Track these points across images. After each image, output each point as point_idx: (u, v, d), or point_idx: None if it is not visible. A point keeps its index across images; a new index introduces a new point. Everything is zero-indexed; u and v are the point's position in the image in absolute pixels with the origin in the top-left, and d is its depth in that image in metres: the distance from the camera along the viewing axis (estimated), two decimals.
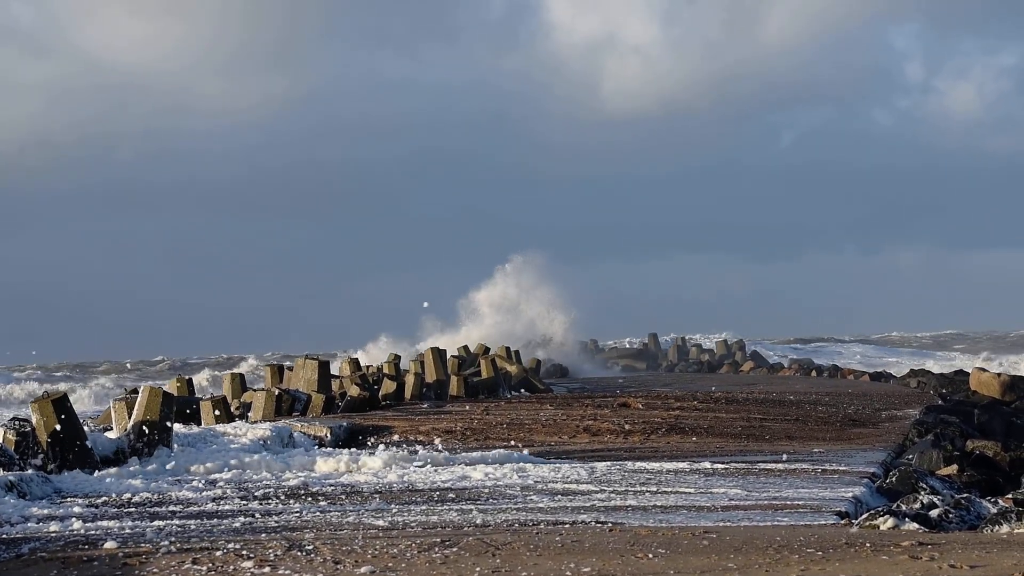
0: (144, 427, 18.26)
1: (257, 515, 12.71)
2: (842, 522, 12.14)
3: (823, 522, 12.04)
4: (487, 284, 63.89)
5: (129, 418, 18.57)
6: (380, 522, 11.96)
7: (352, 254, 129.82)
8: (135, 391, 21.15)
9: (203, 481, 16.19)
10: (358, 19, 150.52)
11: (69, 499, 14.38)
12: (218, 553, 9.81)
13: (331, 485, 15.72)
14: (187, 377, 29.34)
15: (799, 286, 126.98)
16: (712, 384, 40.78)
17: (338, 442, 21.39)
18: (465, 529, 11.28)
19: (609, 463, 17.76)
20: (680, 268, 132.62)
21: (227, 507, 13.53)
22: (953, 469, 18.32)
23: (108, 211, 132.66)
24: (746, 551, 9.65)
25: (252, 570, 9.14)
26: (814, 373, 55.63)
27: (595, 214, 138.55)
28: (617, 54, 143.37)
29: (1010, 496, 15.07)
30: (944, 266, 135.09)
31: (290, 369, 30.11)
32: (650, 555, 9.52)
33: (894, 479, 16.18)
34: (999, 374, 38.01)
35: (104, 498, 14.49)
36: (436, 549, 9.85)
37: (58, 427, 16.98)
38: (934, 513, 12.63)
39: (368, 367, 35.92)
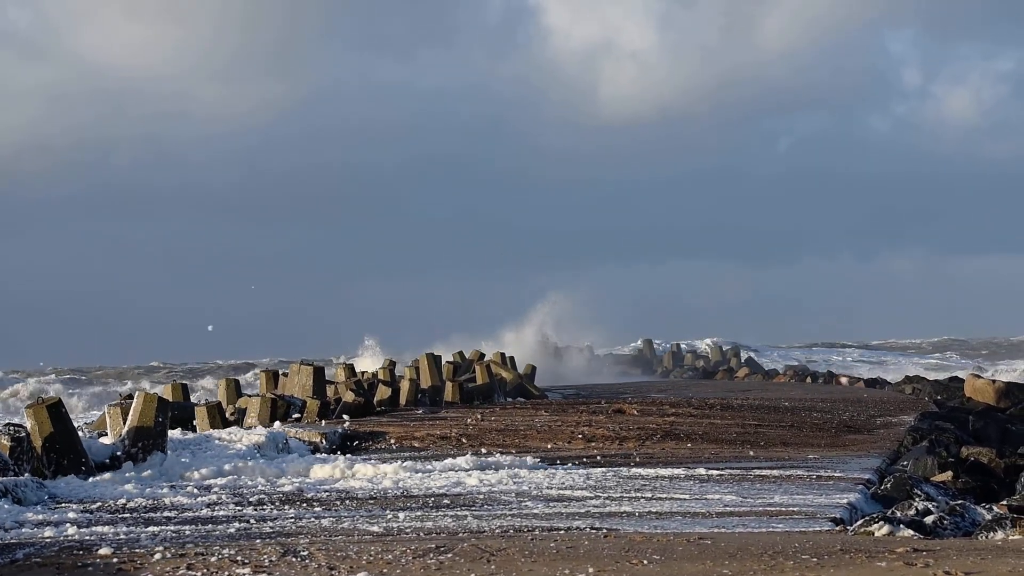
0: (139, 433, 18.24)
1: (252, 521, 12.70)
2: (837, 528, 12.15)
3: (818, 528, 12.05)
4: (518, 325, 63.74)
5: (124, 423, 18.56)
6: (375, 528, 11.96)
7: (350, 259, 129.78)
8: (130, 396, 21.12)
9: (198, 487, 16.18)
10: (356, 23, 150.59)
11: (64, 504, 14.38)
12: (213, 559, 9.81)
13: (326, 490, 15.72)
14: (182, 383, 29.32)
15: (795, 292, 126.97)
16: (707, 390, 40.80)
17: (333, 448, 21.37)
18: (460, 535, 11.28)
19: (604, 469, 17.76)
20: (676, 273, 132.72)
21: (222, 513, 13.53)
22: (948, 475, 18.33)
23: (106, 216, 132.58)
24: (741, 557, 9.65)
25: None
26: (809, 379, 55.66)
27: (592, 219, 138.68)
28: (614, 59, 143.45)
29: (1005, 503, 15.08)
30: (940, 272, 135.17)
31: (285, 375, 30.09)
32: (645, 561, 9.53)
33: (889, 485, 16.19)
34: (994, 380, 38.04)
35: (99, 504, 14.49)
36: (431, 555, 9.85)
37: (53, 432, 16.97)
38: (929, 519, 12.64)
39: (363, 373, 35.92)
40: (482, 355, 40.88)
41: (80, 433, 18.32)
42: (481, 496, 14.96)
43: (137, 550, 10.35)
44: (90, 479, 16.61)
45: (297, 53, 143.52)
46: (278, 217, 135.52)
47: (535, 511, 13.44)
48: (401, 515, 13.11)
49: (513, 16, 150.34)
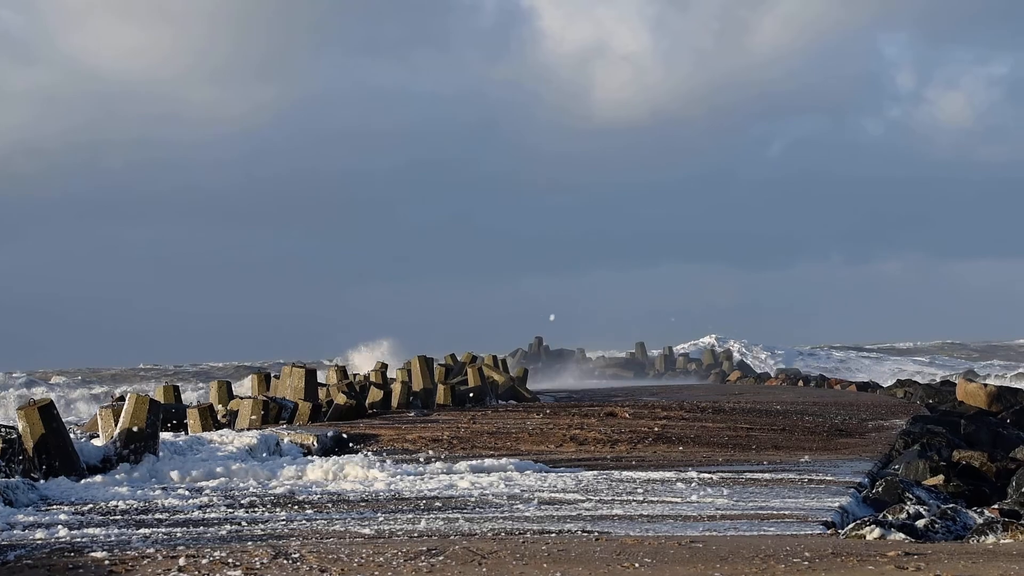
0: (130, 435, 18.23)
1: (243, 523, 12.69)
2: (828, 532, 12.16)
3: (809, 532, 12.05)
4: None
5: (115, 425, 18.55)
6: (366, 530, 11.96)
7: (343, 263, 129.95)
8: (121, 398, 21.12)
9: (189, 489, 16.18)
10: (349, 27, 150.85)
11: (55, 506, 14.36)
12: (204, 561, 9.81)
13: (317, 493, 15.72)
14: (174, 385, 29.31)
15: (788, 295, 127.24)
16: (699, 394, 40.83)
17: (325, 450, 21.37)
18: (451, 538, 11.28)
19: (596, 472, 17.77)
20: (669, 277, 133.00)
21: (213, 515, 13.52)
22: (939, 479, 18.35)
23: (98, 218, 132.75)
24: (732, 561, 9.66)
25: None
26: (801, 383, 55.72)
27: (585, 223, 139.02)
28: (608, 63, 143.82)
29: (996, 506, 15.11)
30: (933, 275, 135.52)
31: (277, 377, 30.08)
32: (636, 564, 9.53)
33: (880, 489, 16.20)
34: (986, 384, 38.10)
35: (90, 505, 14.48)
36: (422, 557, 9.85)
37: (44, 434, 16.96)
38: (920, 523, 12.66)
39: (355, 375, 35.92)
40: (474, 358, 40.89)
41: (72, 435, 18.31)
42: (473, 499, 14.96)
43: (129, 552, 10.34)
44: (82, 481, 16.61)
45: (290, 57, 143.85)
46: (271, 221, 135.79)
47: (527, 514, 13.43)
48: (393, 517, 13.11)
49: (507, 20, 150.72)
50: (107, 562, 9.83)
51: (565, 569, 9.31)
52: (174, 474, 17.48)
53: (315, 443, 21.45)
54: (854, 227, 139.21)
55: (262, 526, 12.44)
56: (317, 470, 17.92)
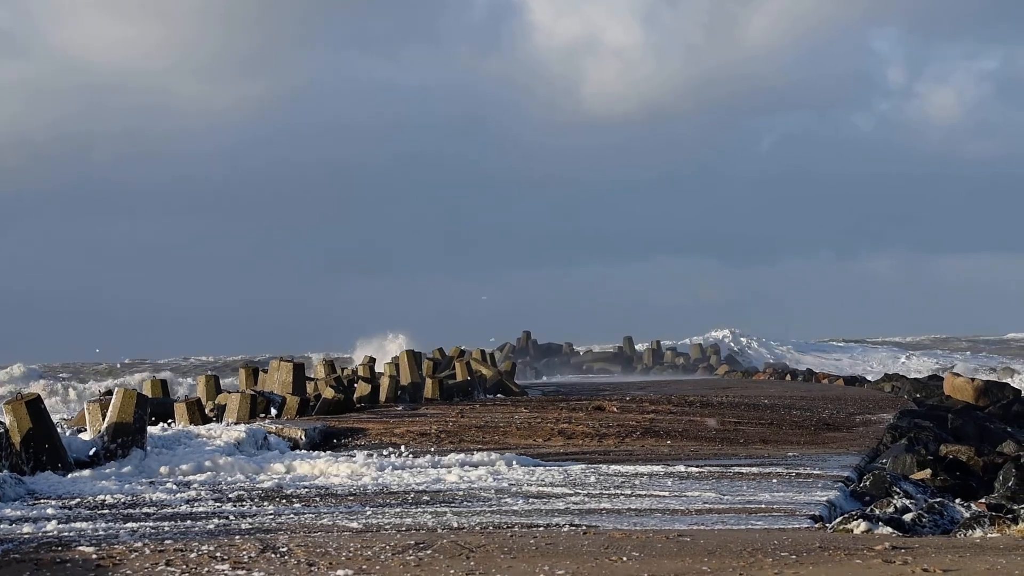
0: (118, 429, 18.21)
1: (231, 517, 12.69)
2: (816, 526, 12.18)
3: (797, 526, 12.08)
4: None
5: (103, 420, 18.52)
6: (354, 524, 11.96)
7: (331, 257, 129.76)
8: (109, 393, 21.09)
9: (177, 483, 16.17)
10: (338, 21, 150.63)
11: (42, 501, 14.35)
12: (192, 555, 9.80)
13: (305, 487, 15.72)
14: (161, 379, 29.27)
15: (776, 291, 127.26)
16: (687, 388, 40.85)
17: (313, 444, 21.36)
18: (439, 531, 11.29)
19: (584, 466, 17.77)
20: (657, 272, 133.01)
21: (201, 509, 13.51)
22: (927, 473, 18.39)
23: (86, 211, 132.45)
24: (720, 554, 9.68)
25: (226, 572, 9.13)
26: (788, 377, 55.77)
27: (574, 218, 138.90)
28: (598, 57, 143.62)
29: (983, 500, 15.14)
30: (921, 271, 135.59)
31: (265, 371, 30.05)
32: (624, 558, 9.55)
33: (868, 483, 16.24)
34: (973, 379, 38.17)
35: (77, 500, 14.46)
36: (410, 551, 9.86)
37: (31, 428, 16.93)
38: (907, 517, 12.69)
39: (343, 369, 35.90)
40: (462, 352, 40.88)
41: (59, 429, 18.29)
42: (461, 493, 14.97)
43: (116, 546, 10.33)
44: (69, 475, 16.58)
45: (279, 50, 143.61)
46: (259, 215, 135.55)
47: (514, 508, 13.45)
48: (381, 511, 13.12)
49: (497, 13, 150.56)
50: (95, 556, 9.83)
51: (553, 563, 9.32)
52: (162, 468, 17.46)
53: (303, 437, 21.44)
54: (843, 223, 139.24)
55: (250, 520, 12.44)
56: (305, 464, 17.91)
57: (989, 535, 11.50)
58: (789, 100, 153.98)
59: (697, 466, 17.75)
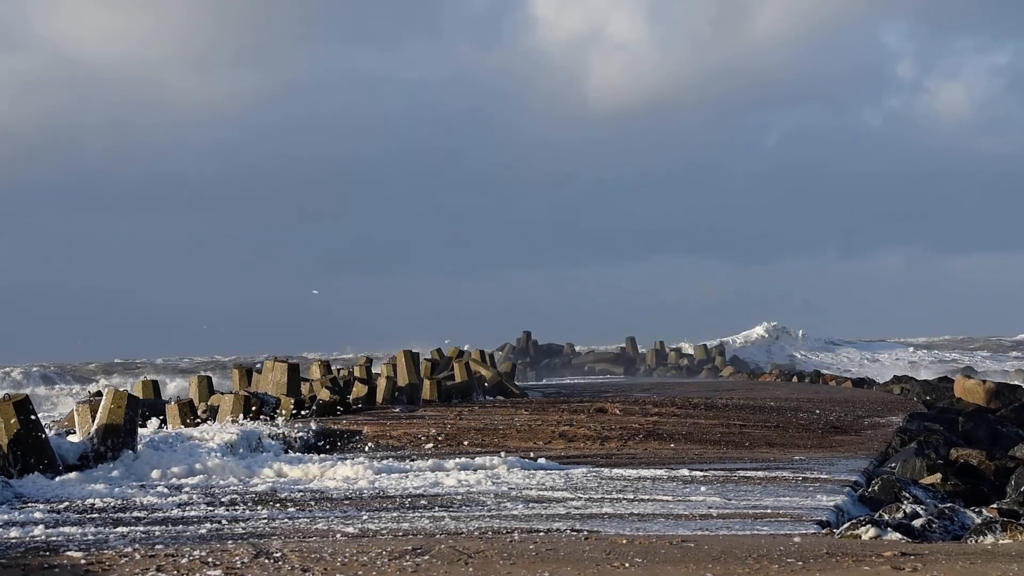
0: (108, 431, 18.19)
1: (224, 521, 12.67)
2: (823, 532, 12.17)
3: (804, 531, 12.06)
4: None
5: (93, 421, 18.51)
6: (350, 529, 11.94)
7: (328, 255, 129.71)
8: (99, 393, 21.07)
9: (168, 486, 16.15)
10: (337, 12, 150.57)
11: (30, 504, 14.33)
12: (183, 560, 9.78)
13: (300, 490, 15.70)
14: (152, 379, 29.26)
15: (781, 290, 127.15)
16: (691, 390, 40.85)
17: (308, 447, 21.34)
18: (437, 536, 11.27)
19: (585, 470, 17.77)
20: (660, 271, 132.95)
21: (193, 513, 13.49)
22: (937, 478, 18.37)
23: (76, 205, 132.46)
24: (725, 560, 9.66)
25: None
26: (795, 379, 55.80)
27: (577, 215, 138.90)
28: (602, 50, 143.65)
29: (995, 506, 15.13)
30: (930, 270, 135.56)
31: (258, 371, 30.04)
32: (626, 564, 9.53)
33: (876, 488, 16.22)
34: (984, 381, 38.16)
35: (66, 503, 14.44)
36: (407, 557, 9.84)
37: (19, 430, 16.91)
38: (917, 523, 12.67)
39: (339, 370, 35.87)
40: (461, 352, 40.87)
41: (48, 431, 18.27)
42: (459, 497, 14.96)
43: (106, 551, 10.32)
44: (57, 478, 16.57)
45: (275, 41, 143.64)
46: (255, 211, 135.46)
47: (514, 512, 13.43)
48: (377, 516, 13.10)
49: (499, 6, 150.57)
50: (83, 562, 9.81)
51: (553, 569, 9.30)
52: (153, 471, 17.45)
53: (298, 439, 21.44)
54: (850, 220, 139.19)
55: (243, 524, 12.42)
56: (299, 467, 17.90)
57: (1001, 541, 11.48)
58: (797, 94, 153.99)
59: (701, 470, 17.74)
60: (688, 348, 76.93)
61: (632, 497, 14.77)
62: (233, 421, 24.32)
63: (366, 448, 21.14)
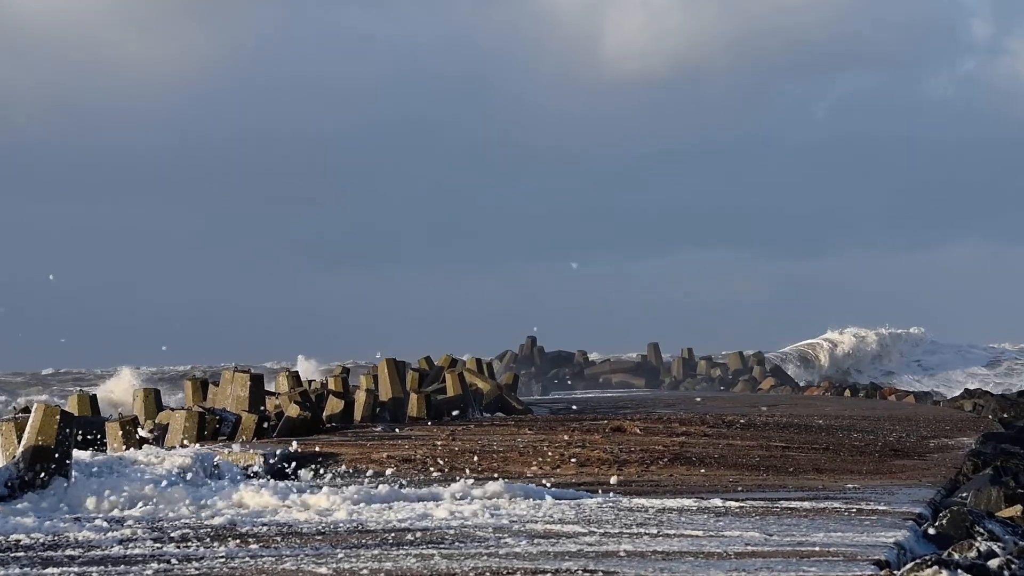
0: (37, 454, 18.17)
1: (174, 560, 12.67)
2: (881, 573, 12.16)
3: (858, 573, 12.06)
4: None
5: (18, 443, 18.49)
6: (323, 569, 11.95)
7: (298, 246, 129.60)
8: (26, 410, 21.06)
9: (108, 519, 16.15)
10: None
11: None
12: None
13: (264, 524, 15.70)
14: (91, 393, 29.24)
15: (832, 288, 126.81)
16: (725, 405, 40.84)
17: (273, 472, 21.34)
18: None
19: (600, 499, 17.77)
20: (689, 265, 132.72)
21: (137, 551, 13.49)
22: (1017, 510, 18.34)
23: (3, 185, 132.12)
24: None
25: None
26: (848, 393, 55.83)
27: (589, 198, 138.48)
28: (619, 6, 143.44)
29: None
30: (1009, 263, 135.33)
31: (216, 384, 30.03)
32: None
33: (944, 522, 16.19)
34: None
35: None
36: None
37: None
38: (994, 563, 12.64)
39: (310, 382, 35.87)
40: (454, 361, 40.86)
41: None
42: (452, 531, 14.96)
43: None
44: None
45: None
46: (212, 194, 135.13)
47: (516, 550, 13.43)
48: (355, 554, 13.10)
49: None
50: None
51: None
52: (90, 501, 17.44)
53: (261, 463, 21.43)
54: (914, 205, 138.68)
55: (196, 564, 12.42)
56: (264, 496, 17.89)
57: None
58: (850, 57, 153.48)
59: (737, 500, 17.73)
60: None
61: (655, 532, 14.77)
62: (185, 442, 24.32)
63: (342, 474, 21.13)
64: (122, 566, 12.29)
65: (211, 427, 25.65)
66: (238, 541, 14.25)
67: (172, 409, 27.68)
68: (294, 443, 23.47)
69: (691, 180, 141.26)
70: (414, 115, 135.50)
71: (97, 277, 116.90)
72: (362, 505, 17.30)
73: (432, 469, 21.43)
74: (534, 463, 22.18)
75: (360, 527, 15.39)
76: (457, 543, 14.02)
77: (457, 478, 20.11)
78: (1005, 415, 37.55)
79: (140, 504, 17.41)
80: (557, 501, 17.64)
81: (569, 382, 73.18)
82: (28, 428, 18.40)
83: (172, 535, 14.70)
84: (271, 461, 21.74)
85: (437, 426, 29.29)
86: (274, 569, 12.04)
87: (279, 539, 14.42)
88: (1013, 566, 12.64)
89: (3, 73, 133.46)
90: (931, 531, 15.80)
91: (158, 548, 13.69)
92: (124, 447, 23.77)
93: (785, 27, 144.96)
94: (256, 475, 21.00)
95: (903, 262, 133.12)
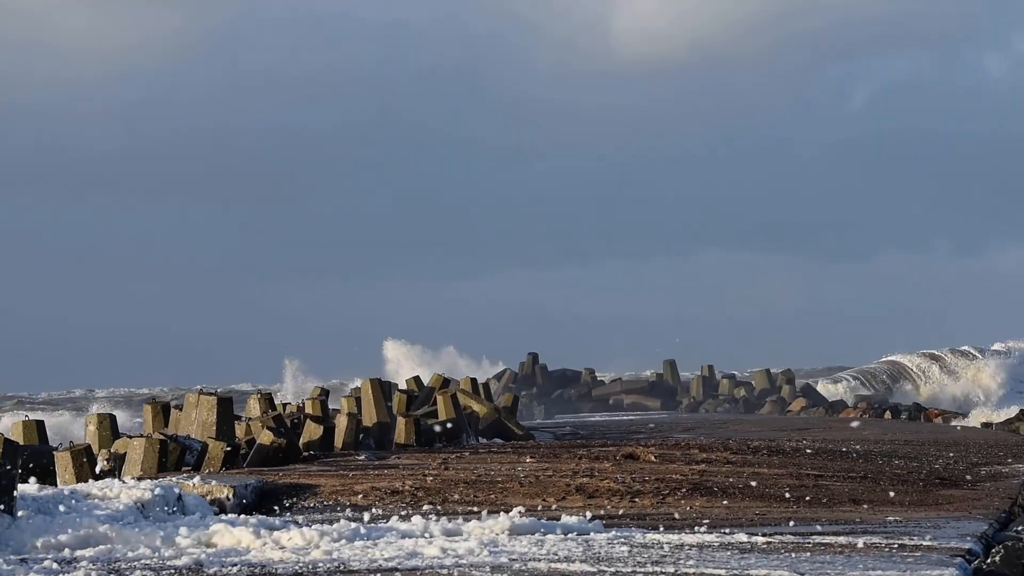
0: None
1: None
2: None
3: None
4: None
5: None
6: None
7: (267, 252, 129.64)
8: None
9: (58, 560, 16.16)
10: None
11: None
12: None
13: (234, 564, 15.72)
14: (37, 420, 29.22)
15: (872, 296, 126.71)
16: (750, 429, 40.87)
17: (244, 507, 21.35)
18: None
19: (611, 534, 17.80)
20: (710, 271, 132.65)
21: None
22: None
23: None
24: None
25: None
26: (888, 415, 55.86)
27: (596, 198, 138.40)
28: None
29: None
30: None
31: (179, 408, 30.04)
32: None
33: (998, 559, 16.21)
34: None
35: None
36: None
37: None
38: None
39: (285, 405, 35.88)
40: (446, 381, 40.89)
41: None
42: (444, 571, 14.99)
43: None
44: None
45: None
46: (170, 194, 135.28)
47: None
48: None
49: None
50: None
51: None
52: (38, 541, 17.43)
53: (231, 497, 21.44)
54: (964, 204, 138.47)
55: None
56: (234, 533, 17.89)
57: None
58: (892, 37, 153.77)
59: (764, 534, 17.76)
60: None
61: (672, 571, 14.80)
62: (143, 475, 24.33)
63: (321, 508, 21.14)
64: None
65: (174, 456, 25.66)
66: None
67: (130, 436, 27.67)
68: (267, 474, 23.51)
69: (713, 177, 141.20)
70: (396, 109, 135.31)
71: (36, 289, 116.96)
72: (343, 542, 17.31)
73: (422, 502, 21.44)
74: (537, 495, 22.19)
75: (341, 567, 15.41)
76: None
77: (450, 512, 20.13)
78: None
79: (94, 543, 17.41)
80: (563, 537, 17.65)
81: (575, 404, 73.19)
82: None
83: None
84: (242, 494, 21.75)
85: (428, 454, 29.33)
86: None
87: None
88: None
89: None
90: (983, 568, 15.81)
91: None
92: (76, 479, 23.76)
93: (819, 7, 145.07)
94: (225, 510, 21.01)
95: (949, 267, 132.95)
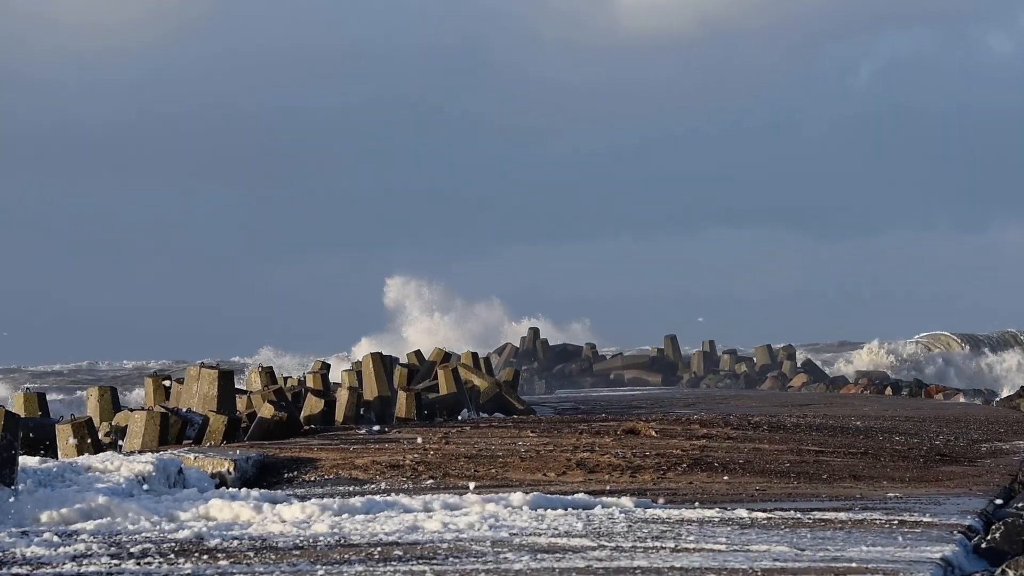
0: None
1: None
2: None
3: None
4: None
5: None
6: None
7: (272, 229, 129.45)
8: None
9: (60, 533, 16.16)
10: None
11: None
12: None
13: (235, 538, 15.71)
14: (38, 392, 29.24)
15: (877, 273, 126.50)
16: (751, 405, 40.86)
17: (245, 480, 21.37)
18: None
19: (611, 510, 17.79)
20: (712, 248, 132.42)
21: (92, 568, 13.52)
22: None
23: None
24: None
25: None
26: (889, 391, 55.86)
27: (602, 176, 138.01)
28: None
29: None
30: None
31: (180, 382, 30.05)
32: None
33: (998, 535, 16.21)
34: None
35: None
36: None
37: None
38: None
39: (287, 379, 35.89)
40: (447, 356, 40.88)
41: None
42: (445, 545, 14.98)
43: None
44: None
45: None
46: (170, 173, 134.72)
47: (517, 566, 13.45)
48: (337, 570, 13.12)
49: None
50: None
51: None
52: (40, 514, 17.45)
53: (232, 470, 21.46)
54: (969, 181, 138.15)
55: None
56: (234, 506, 17.90)
57: None
58: (897, 14, 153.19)
59: (764, 510, 17.77)
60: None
61: (673, 546, 14.79)
62: (144, 448, 24.35)
63: (322, 481, 21.16)
64: None
65: (175, 430, 25.68)
66: (206, 557, 14.28)
67: (131, 410, 27.69)
68: (268, 447, 23.54)
69: (717, 154, 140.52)
70: (397, 88, 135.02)
71: (33, 265, 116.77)
72: (344, 516, 17.31)
73: (423, 476, 21.45)
74: (538, 469, 22.20)
75: (342, 541, 15.40)
76: (451, 558, 14.05)
77: (451, 486, 20.15)
78: None
79: (95, 516, 17.42)
80: (563, 511, 17.66)
81: (576, 379, 73.20)
82: None
83: (131, 550, 14.72)
84: (242, 468, 21.77)
85: (428, 428, 29.32)
86: None
87: (252, 555, 14.44)
88: None
89: None
90: (983, 545, 15.82)
91: (115, 565, 13.72)
92: (77, 452, 23.78)
93: None
94: (226, 483, 21.03)
95: (951, 244, 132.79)
